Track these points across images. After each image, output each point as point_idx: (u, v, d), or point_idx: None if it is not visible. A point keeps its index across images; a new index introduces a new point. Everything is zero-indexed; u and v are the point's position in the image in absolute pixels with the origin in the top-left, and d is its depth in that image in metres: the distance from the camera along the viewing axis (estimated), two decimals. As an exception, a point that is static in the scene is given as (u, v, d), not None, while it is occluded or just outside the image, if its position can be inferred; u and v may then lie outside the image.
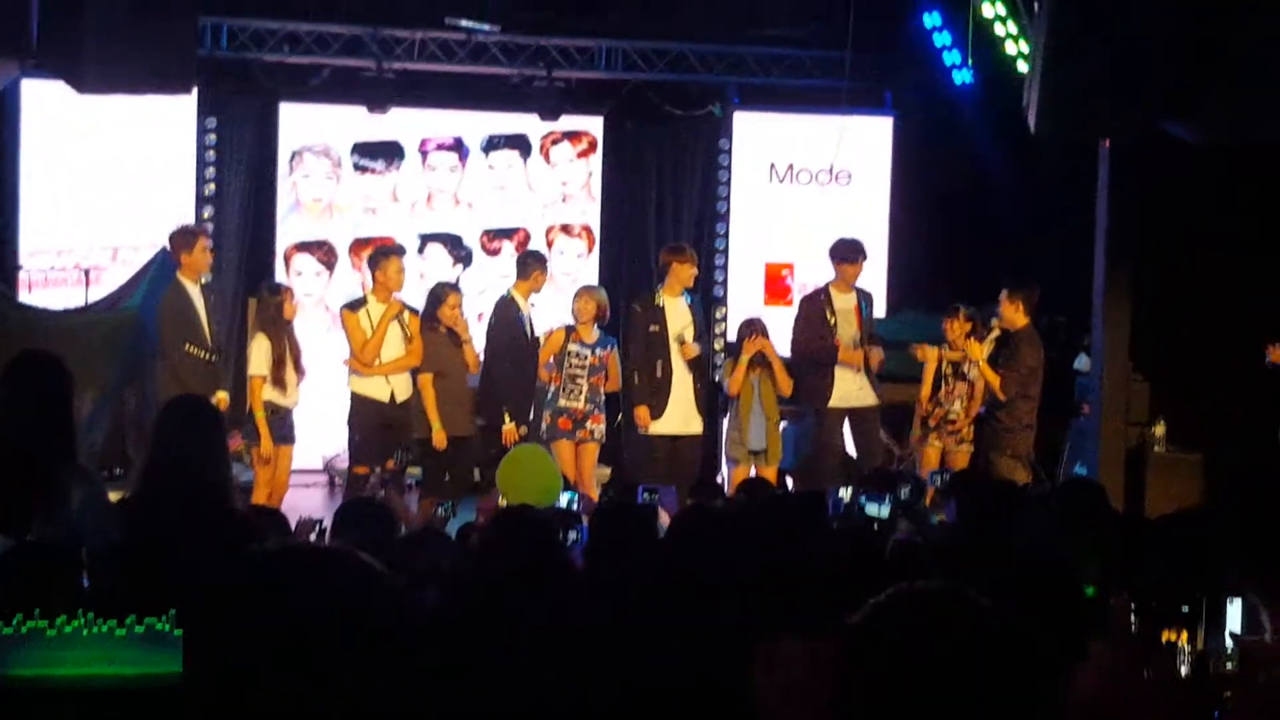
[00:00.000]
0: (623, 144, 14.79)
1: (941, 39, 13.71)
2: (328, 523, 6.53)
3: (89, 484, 5.24)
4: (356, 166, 14.08)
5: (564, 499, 8.35)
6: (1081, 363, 12.00)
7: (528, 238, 14.32)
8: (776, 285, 14.42)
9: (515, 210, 14.45)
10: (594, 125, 14.59)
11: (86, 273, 12.23)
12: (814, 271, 13.33)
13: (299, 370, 10.65)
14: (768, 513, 6.39)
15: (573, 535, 6.77)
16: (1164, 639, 4.68)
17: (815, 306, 11.48)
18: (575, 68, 14.06)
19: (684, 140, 14.84)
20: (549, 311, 12.23)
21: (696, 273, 11.63)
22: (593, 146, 14.61)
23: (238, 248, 13.74)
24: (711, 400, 11.48)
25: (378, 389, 10.66)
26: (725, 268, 14.56)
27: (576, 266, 14.41)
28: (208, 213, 13.42)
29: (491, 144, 14.37)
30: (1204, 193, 11.23)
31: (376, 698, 2.22)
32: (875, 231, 13.50)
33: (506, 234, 14.39)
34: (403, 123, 14.02)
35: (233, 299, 13.36)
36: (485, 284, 13.75)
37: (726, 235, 14.57)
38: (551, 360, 11.08)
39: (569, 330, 11.18)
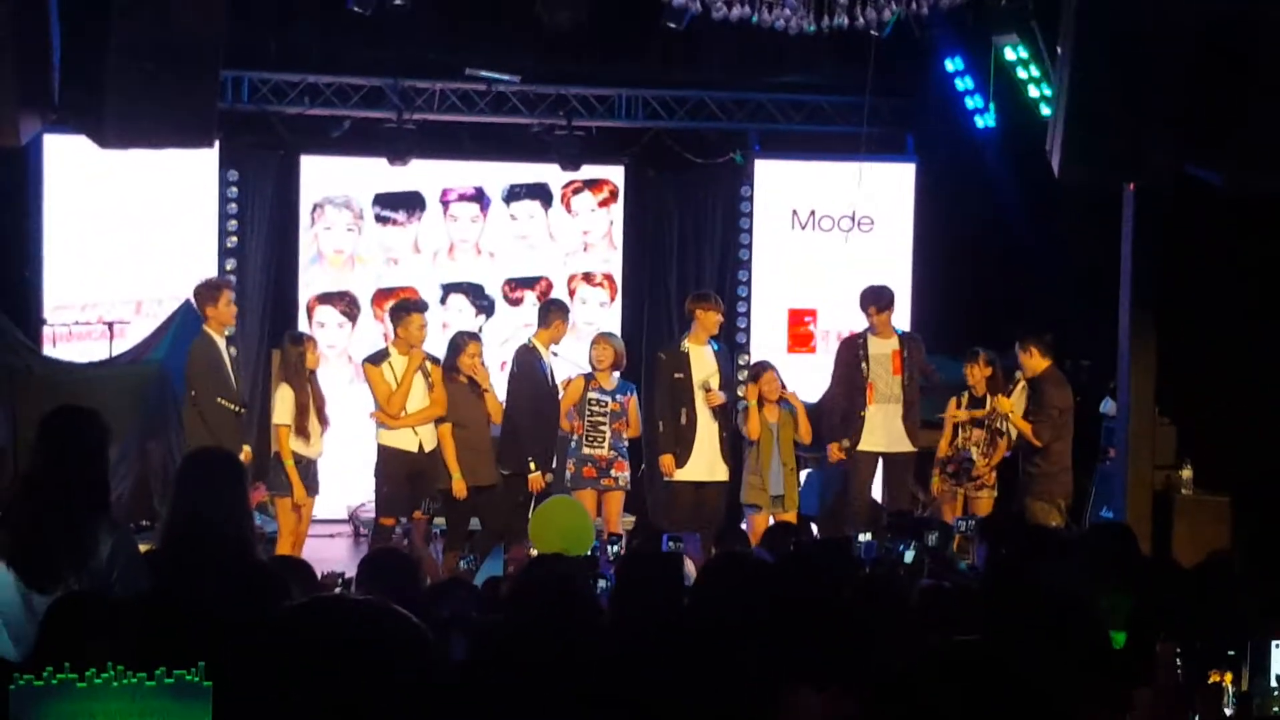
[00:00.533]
0: (644, 192, 14.80)
1: (963, 83, 13.57)
2: (350, 573, 6.52)
3: (119, 534, 5.24)
4: (378, 218, 14.12)
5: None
6: (1107, 407, 11.95)
7: (550, 287, 14.34)
8: (799, 332, 14.38)
9: (537, 259, 14.47)
10: (615, 174, 14.61)
11: (110, 326, 12.23)
12: (837, 318, 13.32)
13: (323, 421, 10.65)
14: (796, 560, 6.37)
15: (601, 584, 6.80)
16: (1210, 680, 4.67)
17: (848, 353, 11.52)
18: (595, 116, 14.09)
19: (705, 188, 14.83)
20: (573, 360, 12.22)
21: (722, 320, 11.63)
22: (614, 195, 14.63)
23: (260, 300, 13.77)
24: (737, 447, 11.45)
25: (406, 440, 10.68)
26: (748, 314, 14.51)
27: (599, 315, 14.39)
28: (230, 265, 13.47)
29: (513, 194, 14.39)
30: (1228, 235, 11.17)
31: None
32: (898, 277, 13.43)
33: (529, 283, 14.41)
34: (424, 173, 14.06)
35: (256, 352, 13.38)
36: (508, 333, 13.77)
37: (749, 282, 14.52)
38: (573, 409, 11.07)
39: (588, 378, 11.18)
